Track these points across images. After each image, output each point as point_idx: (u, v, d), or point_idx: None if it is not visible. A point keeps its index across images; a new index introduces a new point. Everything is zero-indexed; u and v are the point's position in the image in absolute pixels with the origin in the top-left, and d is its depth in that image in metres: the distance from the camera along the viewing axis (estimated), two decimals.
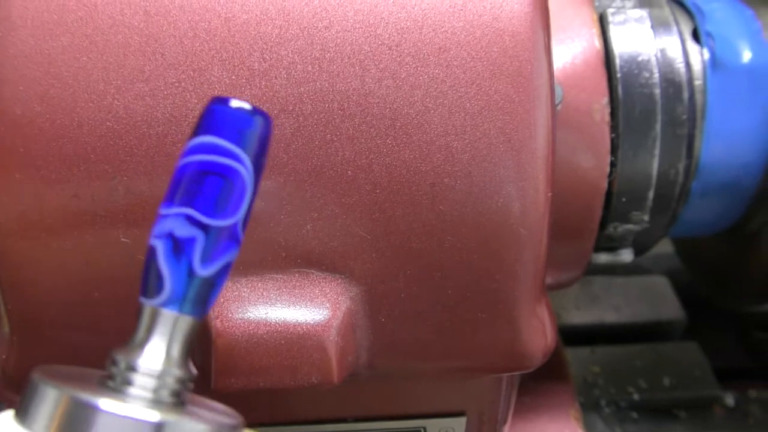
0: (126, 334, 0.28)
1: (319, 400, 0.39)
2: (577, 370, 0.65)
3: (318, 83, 0.32)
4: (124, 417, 0.25)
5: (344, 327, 0.34)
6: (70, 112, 0.31)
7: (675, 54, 0.45)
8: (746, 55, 0.46)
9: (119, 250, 0.32)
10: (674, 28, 0.46)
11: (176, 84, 0.31)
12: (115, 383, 0.27)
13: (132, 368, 0.27)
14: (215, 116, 0.27)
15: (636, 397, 0.64)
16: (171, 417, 0.26)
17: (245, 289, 0.33)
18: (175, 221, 0.27)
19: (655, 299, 0.71)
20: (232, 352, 0.33)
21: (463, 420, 0.40)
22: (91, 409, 0.25)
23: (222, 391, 0.33)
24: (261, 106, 0.32)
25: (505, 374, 0.39)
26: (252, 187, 0.28)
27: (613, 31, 0.44)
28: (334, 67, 0.32)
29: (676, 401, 0.64)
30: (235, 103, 0.28)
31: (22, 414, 0.26)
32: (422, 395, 0.40)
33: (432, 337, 0.35)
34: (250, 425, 0.38)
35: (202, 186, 0.27)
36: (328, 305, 0.33)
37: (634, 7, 0.46)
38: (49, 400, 0.26)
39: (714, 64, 0.46)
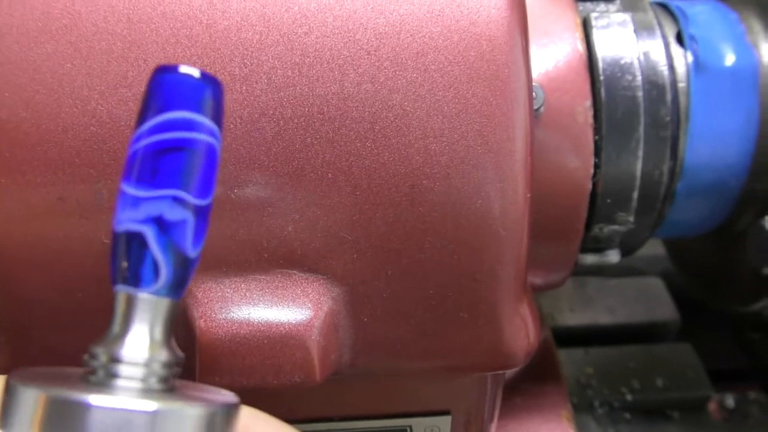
0: None
1: (304, 399, 0.39)
2: (571, 371, 0.66)
3: (298, 88, 0.32)
4: (118, 410, 0.23)
5: (326, 326, 0.34)
6: (54, 117, 0.32)
7: (658, 57, 0.45)
8: (730, 58, 0.47)
9: (103, 251, 0.32)
10: (658, 32, 0.46)
11: None
12: (98, 377, 0.26)
13: (115, 359, 0.26)
14: (171, 88, 0.26)
15: (629, 397, 0.64)
16: (167, 404, 0.24)
17: (228, 290, 0.34)
18: (161, 204, 0.26)
19: (650, 301, 0.72)
20: (216, 352, 0.33)
21: (448, 419, 0.41)
22: (81, 407, 0.23)
23: None
24: (242, 111, 0.32)
25: (489, 373, 0.40)
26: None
27: (597, 35, 0.44)
28: (314, 71, 0.33)
29: (669, 402, 0.64)
30: (184, 69, 0.26)
31: (4, 423, 0.24)
32: (407, 394, 0.40)
33: (414, 336, 0.36)
34: None
35: (185, 165, 0.26)
36: (310, 305, 0.34)
37: (618, 11, 0.46)
38: (33, 403, 0.24)
39: (698, 66, 0.47)
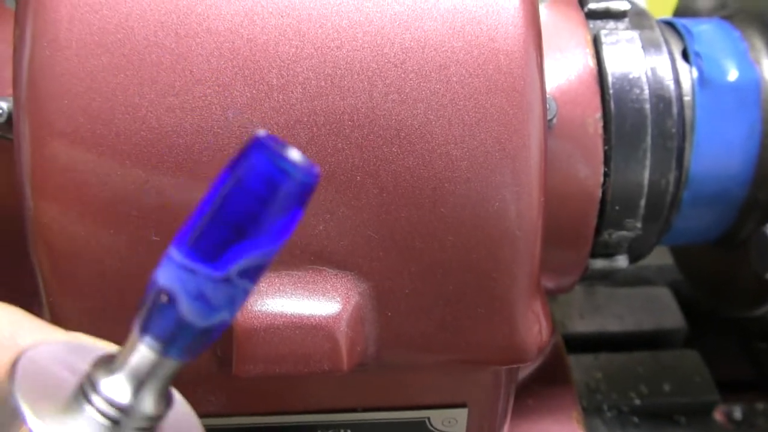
0: None
1: (331, 390, 0.42)
2: (581, 376, 0.67)
3: (330, 97, 0.35)
4: None
5: (353, 320, 0.37)
6: (108, 124, 0.34)
7: (665, 72, 0.48)
8: (733, 74, 0.49)
9: (150, 248, 0.35)
10: (664, 48, 0.49)
11: (203, 98, 0.35)
12: (83, 396, 0.24)
13: (94, 387, 0.24)
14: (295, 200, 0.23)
15: (637, 402, 0.66)
16: None
17: (264, 284, 0.36)
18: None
19: (657, 309, 0.73)
20: (252, 341, 0.36)
21: (464, 411, 0.43)
22: (21, 419, 0.23)
23: (243, 376, 0.36)
24: (279, 118, 0.35)
25: (503, 367, 0.42)
26: None
27: (606, 51, 0.47)
28: (345, 82, 0.35)
29: (676, 407, 0.66)
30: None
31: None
32: (426, 387, 0.43)
33: (434, 330, 0.38)
34: (270, 412, 0.41)
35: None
36: (339, 299, 0.37)
37: (627, 28, 0.49)
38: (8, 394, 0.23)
39: (702, 81, 0.49)
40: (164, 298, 0.23)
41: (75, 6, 0.34)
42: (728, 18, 0.54)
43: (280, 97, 0.35)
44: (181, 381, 0.34)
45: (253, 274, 0.23)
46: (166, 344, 0.24)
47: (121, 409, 0.24)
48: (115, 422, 0.24)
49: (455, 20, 0.36)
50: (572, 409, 0.58)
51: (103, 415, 0.24)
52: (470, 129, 0.36)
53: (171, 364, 0.24)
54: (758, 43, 0.51)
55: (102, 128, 0.34)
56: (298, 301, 0.36)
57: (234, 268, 0.23)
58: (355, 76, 0.35)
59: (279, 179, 0.22)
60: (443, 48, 0.36)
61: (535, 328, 0.40)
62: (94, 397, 0.24)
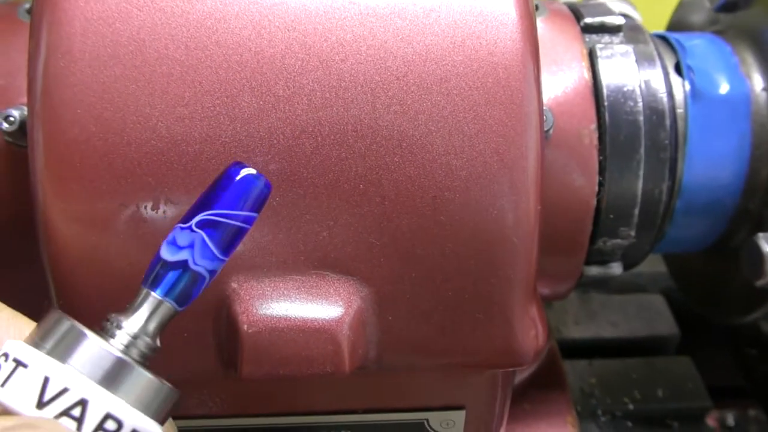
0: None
1: (332, 392, 0.43)
2: (575, 381, 0.69)
3: (334, 108, 0.36)
4: (100, 347, 0.31)
5: (355, 323, 0.38)
6: (120, 133, 0.35)
7: (658, 85, 0.49)
8: (724, 88, 0.51)
9: None
10: (658, 62, 0.50)
11: (211, 108, 0.36)
12: (102, 332, 0.32)
13: (118, 325, 0.32)
14: (256, 196, 0.33)
15: (631, 407, 0.67)
16: (127, 359, 0.31)
17: (268, 289, 0.38)
18: (220, 264, 0.33)
19: (651, 316, 0.74)
20: (257, 344, 0.37)
21: (462, 413, 0.44)
22: (81, 335, 0.31)
23: (248, 378, 0.37)
24: (285, 129, 0.36)
25: (500, 371, 0.43)
26: None
27: (601, 64, 0.48)
28: (349, 94, 0.36)
29: (669, 412, 0.67)
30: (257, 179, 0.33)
31: (34, 339, 0.31)
32: (425, 390, 0.44)
33: (434, 334, 0.39)
34: (272, 413, 0.42)
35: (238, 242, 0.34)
36: (341, 303, 0.38)
37: (621, 42, 0.50)
38: (56, 325, 0.31)
39: (694, 94, 0.51)
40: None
41: (88, 19, 0.35)
42: (720, 33, 0.55)
43: (286, 108, 0.36)
44: (188, 383, 0.36)
45: (208, 227, 0.33)
46: (166, 293, 0.32)
47: (135, 336, 0.32)
48: (128, 347, 0.32)
49: (455, 35, 0.37)
50: (567, 414, 0.59)
51: (123, 343, 0.32)
52: (469, 140, 0.37)
53: (169, 308, 0.32)
54: (749, 57, 0.52)
55: (114, 137, 0.35)
56: (302, 305, 0.38)
57: (194, 221, 0.32)
58: (359, 89, 0.36)
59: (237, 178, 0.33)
60: (444, 62, 0.37)
61: (531, 333, 0.41)
62: (117, 332, 0.32)
